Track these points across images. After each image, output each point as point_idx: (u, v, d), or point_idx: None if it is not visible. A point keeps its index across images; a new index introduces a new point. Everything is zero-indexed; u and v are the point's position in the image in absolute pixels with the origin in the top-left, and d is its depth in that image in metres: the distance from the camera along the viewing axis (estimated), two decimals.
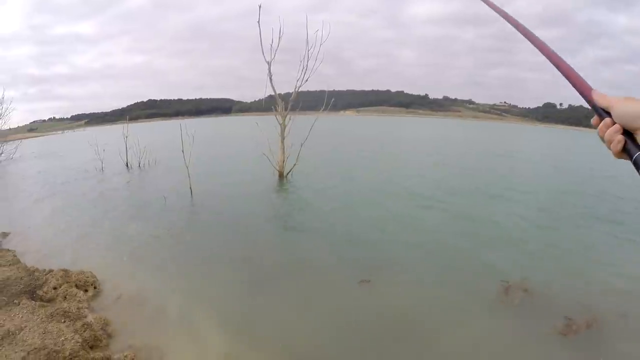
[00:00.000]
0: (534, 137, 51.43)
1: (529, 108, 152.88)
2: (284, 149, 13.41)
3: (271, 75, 13.10)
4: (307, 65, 12.78)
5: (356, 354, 4.13)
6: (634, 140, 0.74)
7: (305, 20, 12.89)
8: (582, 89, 0.83)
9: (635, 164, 0.72)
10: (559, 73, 0.87)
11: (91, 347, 3.92)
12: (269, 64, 12.95)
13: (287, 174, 13.54)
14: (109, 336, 4.29)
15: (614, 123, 0.76)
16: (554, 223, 8.42)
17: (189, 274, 6.13)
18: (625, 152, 0.75)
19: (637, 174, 0.71)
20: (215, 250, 7.16)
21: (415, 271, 6.06)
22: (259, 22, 12.60)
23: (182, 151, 11.35)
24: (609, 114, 0.77)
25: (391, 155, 20.58)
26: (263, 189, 12.31)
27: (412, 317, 4.80)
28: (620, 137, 0.74)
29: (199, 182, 12.11)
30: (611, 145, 0.76)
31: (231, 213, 9.60)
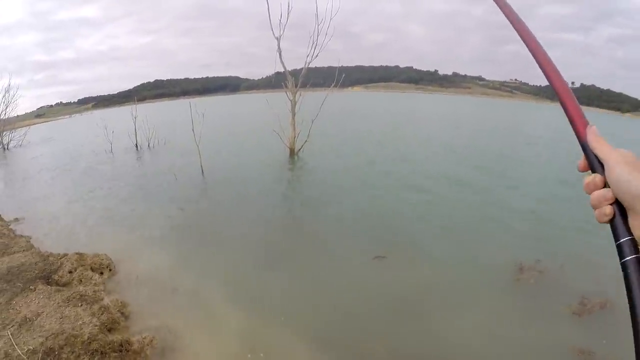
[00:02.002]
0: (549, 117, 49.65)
1: (540, 86, 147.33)
2: (294, 125, 13.20)
3: (280, 51, 12.77)
4: (316, 40, 12.41)
5: (369, 329, 4.08)
6: (625, 219, 0.55)
7: None
8: (576, 120, 0.61)
9: (619, 248, 0.54)
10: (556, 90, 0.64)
11: (109, 330, 3.86)
12: (278, 39, 12.62)
13: (298, 151, 13.37)
14: (127, 318, 4.25)
15: (606, 184, 0.56)
16: (571, 207, 8.03)
17: (203, 252, 6.10)
18: (611, 228, 0.56)
19: (619, 261, 0.53)
20: (228, 227, 7.13)
21: (429, 249, 5.95)
22: None
23: (192, 130, 11.24)
24: (602, 165, 0.57)
25: (401, 135, 20.03)
26: (275, 167, 12.18)
27: (425, 293, 4.78)
28: (609, 210, 0.56)
29: (210, 161, 12.06)
30: (596, 213, 0.57)
31: (243, 190, 9.50)
